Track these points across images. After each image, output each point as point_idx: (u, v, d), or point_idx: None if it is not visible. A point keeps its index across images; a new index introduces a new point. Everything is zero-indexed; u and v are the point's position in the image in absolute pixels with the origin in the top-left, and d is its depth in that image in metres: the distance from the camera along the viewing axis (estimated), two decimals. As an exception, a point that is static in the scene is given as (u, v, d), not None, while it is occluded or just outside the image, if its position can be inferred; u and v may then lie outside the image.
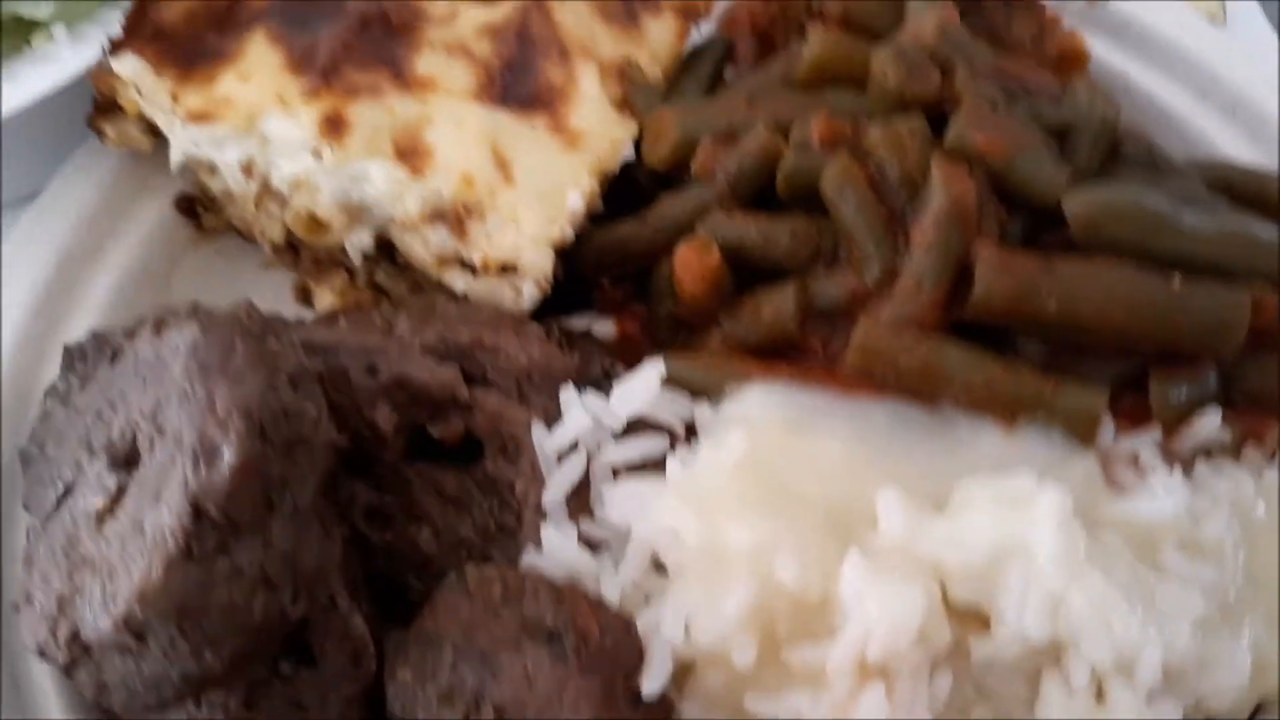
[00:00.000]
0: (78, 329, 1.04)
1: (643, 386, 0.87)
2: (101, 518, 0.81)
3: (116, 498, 0.81)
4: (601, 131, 1.00)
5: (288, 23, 1.00)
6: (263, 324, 0.85)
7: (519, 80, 1.00)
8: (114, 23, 1.04)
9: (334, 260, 1.06)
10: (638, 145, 1.02)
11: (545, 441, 0.88)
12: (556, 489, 0.86)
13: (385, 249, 1.02)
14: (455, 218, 0.95)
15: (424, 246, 0.97)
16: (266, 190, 1.02)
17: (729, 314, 0.93)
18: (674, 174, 1.00)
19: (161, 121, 1.01)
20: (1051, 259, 0.85)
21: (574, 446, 0.87)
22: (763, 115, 0.96)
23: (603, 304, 1.03)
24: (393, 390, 0.89)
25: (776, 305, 0.91)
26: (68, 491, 0.86)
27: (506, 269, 0.96)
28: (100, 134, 1.06)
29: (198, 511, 0.71)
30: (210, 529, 0.71)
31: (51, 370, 0.99)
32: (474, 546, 0.90)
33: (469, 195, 0.95)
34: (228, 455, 0.72)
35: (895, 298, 0.87)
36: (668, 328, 0.99)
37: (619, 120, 1.01)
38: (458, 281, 0.98)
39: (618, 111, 1.02)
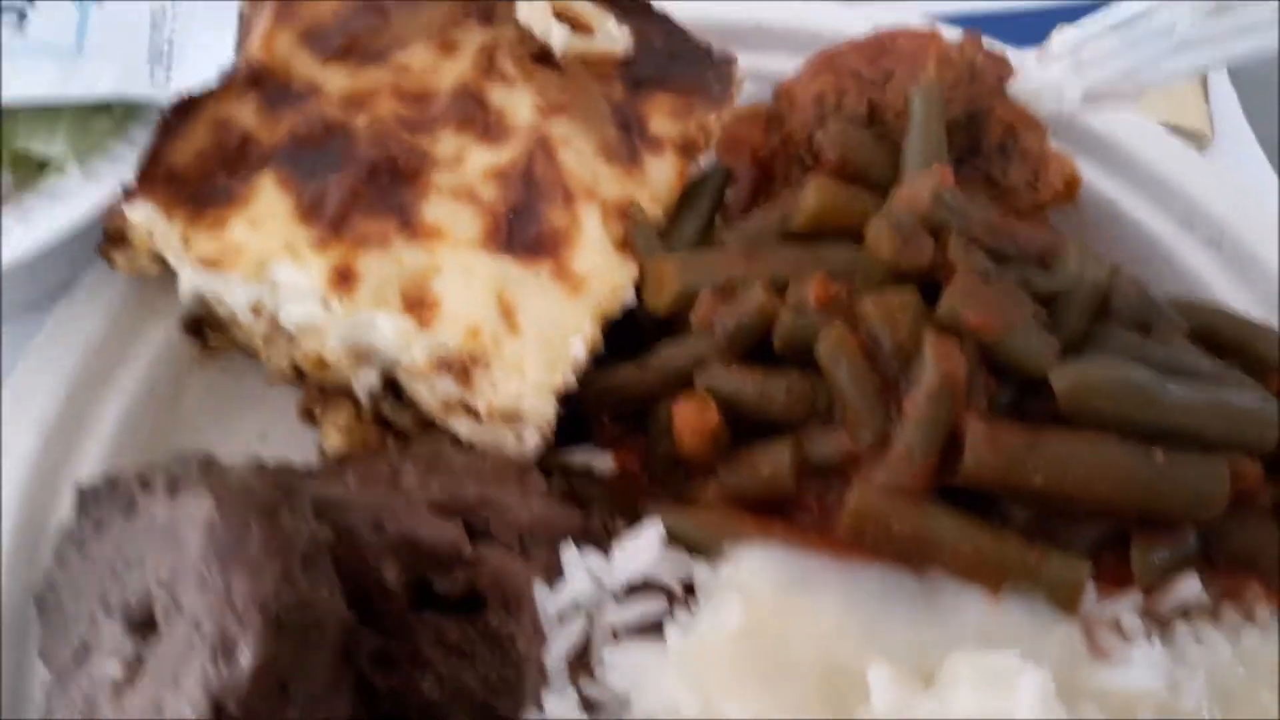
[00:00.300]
0: (88, 459, 1.07)
1: (644, 548, 0.90)
2: (120, 689, 0.83)
3: (135, 668, 0.84)
4: (603, 275, 1.03)
5: (297, 167, 1.02)
6: (275, 493, 0.87)
7: (524, 225, 1.02)
8: (125, 158, 1.06)
9: (340, 391, 1.08)
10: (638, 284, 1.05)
11: (547, 601, 0.90)
12: (558, 650, 0.89)
13: (391, 386, 1.05)
14: (461, 367, 0.97)
15: (430, 393, 1.00)
16: (275, 328, 1.04)
17: (726, 466, 0.96)
18: (673, 318, 1.03)
19: (172, 261, 1.03)
20: (1038, 433, 0.88)
21: (575, 606, 0.90)
22: (760, 271, 0.98)
23: (601, 438, 1.06)
24: (400, 547, 0.92)
25: (773, 462, 0.94)
26: (85, 650, 0.89)
27: (509, 416, 0.98)
28: (110, 261, 1.08)
29: (218, 709, 0.74)
30: (229, 727, 0.74)
31: (62, 505, 1.02)
32: (476, 696, 0.93)
33: (475, 346, 0.97)
34: (246, 655, 0.75)
35: (888, 464, 0.90)
36: (665, 465, 1.02)
37: (620, 263, 1.04)
38: (462, 426, 1.00)
39: (619, 252, 1.05)
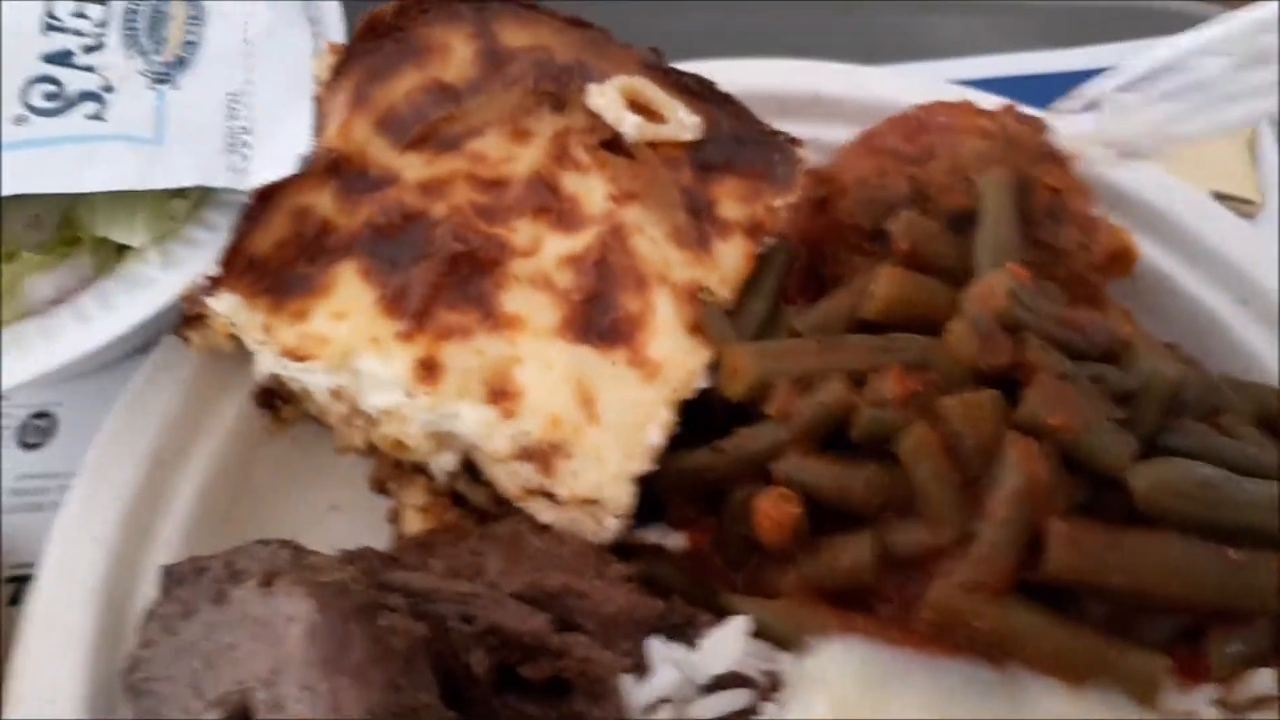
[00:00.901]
0: (167, 537, 1.08)
1: (730, 641, 0.92)
2: (226, 789, 0.85)
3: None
4: (678, 361, 1.04)
5: (377, 257, 1.03)
6: (369, 590, 0.89)
7: (600, 312, 1.04)
8: (202, 243, 1.07)
9: (415, 468, 1.10)
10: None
11: (634, 692, 0.92)
12: (644, 744, 0.91)
13: (469, 467, 1.06)
14: (542, 456, 0.99)
15: (509, 478, 1.01)
16: (354, 411, 1.05)
17: (805, 557, 0.98)
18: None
19: (252, 347, 1.05)
20: (1117, 533, 0.90)
21: (661, 698, 0.92)
22: (836, 363, 1.00)
23: (674, 518, 1.07)
24: (487, 637, 0.94)
25: (854, 554, 0.95)
26: (179, 743, 0.90)
27: (589, 503, 1.00)
28: (185, 340, 1.10)
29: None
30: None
31: (144, 587, 1.03)
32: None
33: (556, 435, 0.98)
34: (362, 766, 0.76)
35: (970, 562, 0.91)
36: (739, 548, 1.04)
37: (693, 348, 1.05)
38: (541, 511, 1.02)
39: (692, 336, 1.06)
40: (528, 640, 0.93)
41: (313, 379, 1.03)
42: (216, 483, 1.12)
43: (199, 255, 1.05)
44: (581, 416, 0.99)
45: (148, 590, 1.04)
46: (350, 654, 0.81)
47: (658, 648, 0.93)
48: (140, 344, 1.21)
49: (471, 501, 1.09)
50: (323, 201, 1.06)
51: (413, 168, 1.08)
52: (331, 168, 1.07)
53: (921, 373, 0.98)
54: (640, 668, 0.94)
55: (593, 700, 0.95)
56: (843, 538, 0.97)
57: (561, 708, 0.96)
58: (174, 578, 1.01)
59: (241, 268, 1.02)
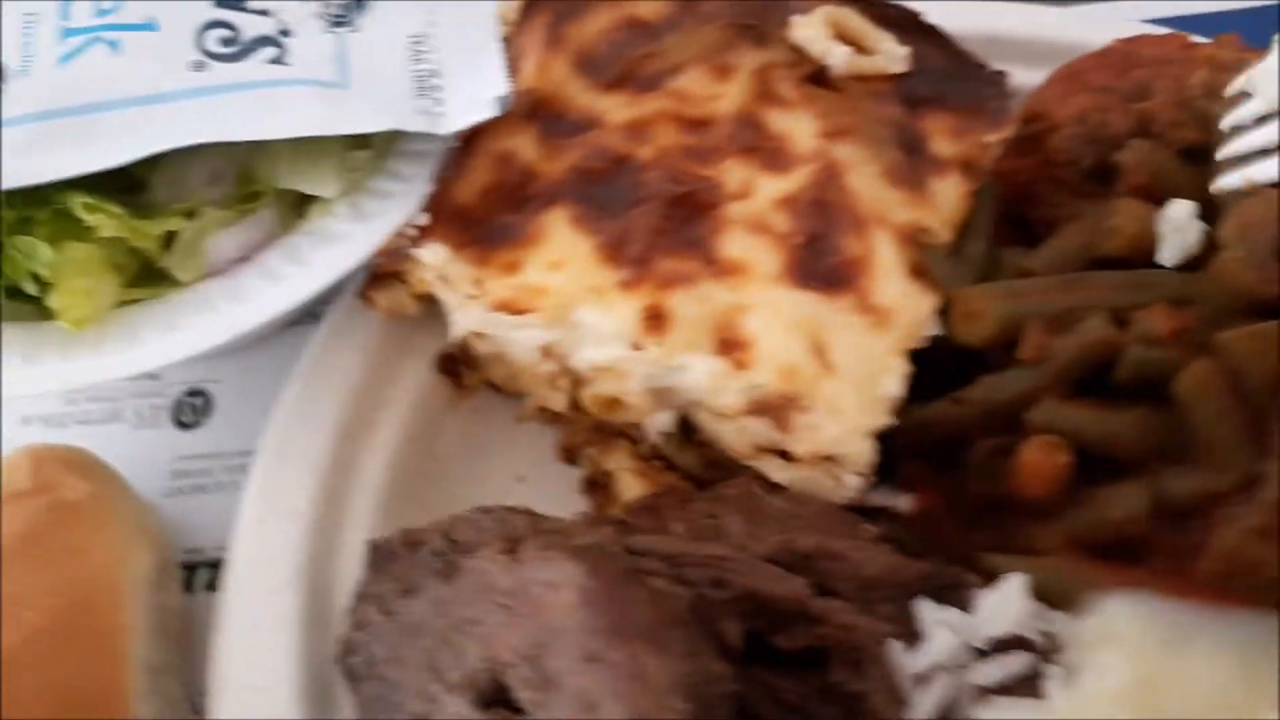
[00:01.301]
0: (361, 512, 1.01)
1: (1010, 601, 0.85)
2: (487, 770, 0.78)
3: (502, 748, 0.78)
4: (904, 306, 0.97)
5: (588, 203, 0.96)
6: (628, 554, 0.82)
7: (820, 256, 0.97)
8: (392, 195, 1.00)
9: (619, 433, 1.03)
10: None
11: (906, 661, 0.85)
12: (922, 712, 0.84)
13: (682, 427, 0.99)
14: (776, 410, 0.92)
15: (739, 435, 0.94)
16: (563, 371, 0.98)
17: (1070, 510, 0.91)
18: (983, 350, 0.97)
19: (453, 303, 0.98)
20: None
21: (937, 665, 0.85)
22: (1090, 300, 0.93)
23: (901, 478, 1.01)
24: (741, 603, 0.87)
25: (1127, 504, 0.88)
26: (428, 726, 0.83)
27: (827, 460, 0.93)
28: (369, 302, 1.03)
29: (651, 798, 0.68)
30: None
31: (344, 565, 0.97)
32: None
33: (791, 387, 0.92)
34: (679, 740, 0.69)
35: (1258, 506, 0.84)
36: (978, 508, 0.97)
37: (919, 293, 0.98)
38: (774, 470, 0.95)
39: (914, 281, 0.99)
40: (786, 606, 0.86)
41: (522, 336, 0.96)
42: (404, 455, 1.05)
43: (391, 208, 0.98)
44: (815, 367, 0.92)
45: (348, 568, 0.97)
46: (637, 619, 0.74)
47: (930, 611, 0.86)
48: (296, 317, 1.14)
49: (679, 466, 1.02)
50: (525, 146, 0.99)
51: (615, 109, 1.01)
52: (532, 111, 0.99)
53: (1183, 308, 0.91)
54: (904, 634, 0.87)
55: (853, 670, 0.87)
56: (1111, 488, 0.90)
57: (816, 680, 0.88)
58: (383, 553, 0.94)
59: (446, 217, 0.95)
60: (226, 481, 1.14)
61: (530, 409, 1.09)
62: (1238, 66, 1.06)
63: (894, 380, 0.94)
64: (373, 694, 0.87)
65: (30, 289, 0.94)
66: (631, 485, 0.99)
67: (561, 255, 0.95)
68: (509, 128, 0.99)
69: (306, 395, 1.03)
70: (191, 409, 1.18)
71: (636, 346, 0.92)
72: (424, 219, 0.96)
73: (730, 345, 0.92)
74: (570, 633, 0.75)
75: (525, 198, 0.97)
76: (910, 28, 1.08)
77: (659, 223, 0.94)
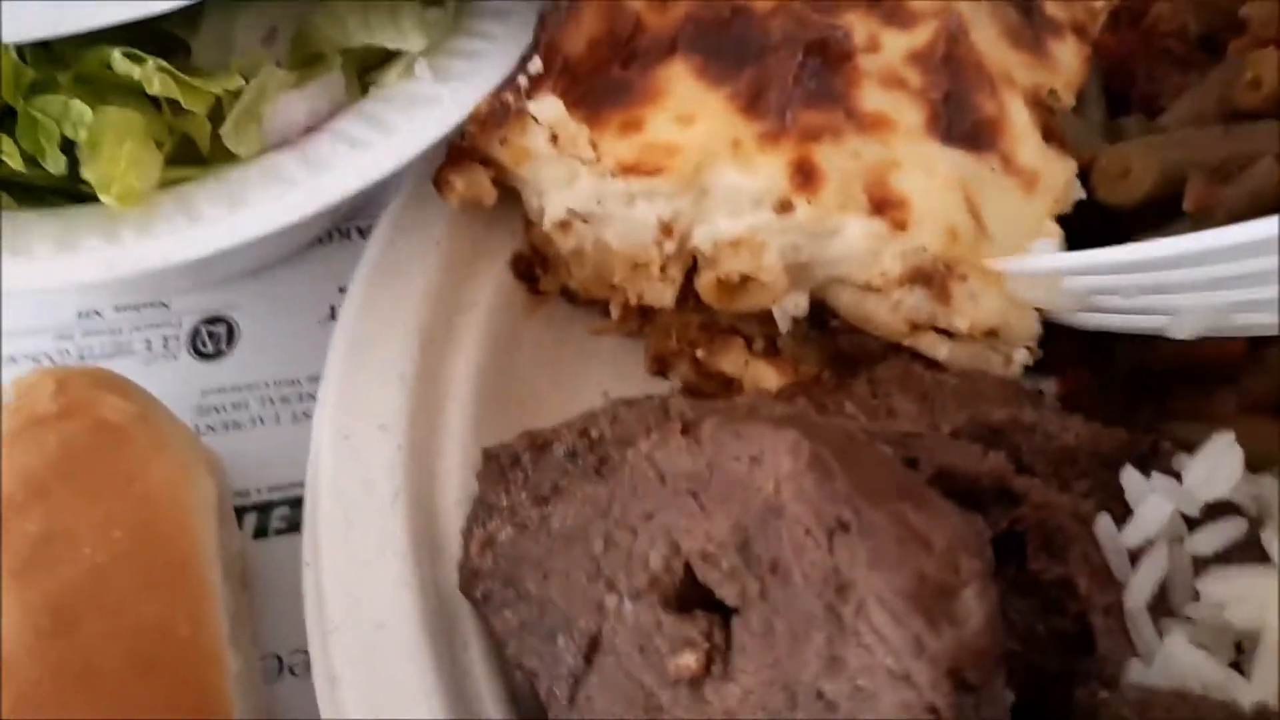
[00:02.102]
0: (452, 425, 0.88)
1: (1225, 463, 0.78)
2: (698, 681, 0.66)
3: (713, 652, 0.66)
4: (1049, 169, 0.89)
5: (708, 54, 0.86)
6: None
7: (958, 114, 0.89)
8: (481, 54, 0.87)
9: (728, 328, 0.92)
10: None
11: (1116, 536, 0.77)
12: (1140, 590, 0.76)
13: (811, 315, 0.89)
14: (936, 279, 0.83)
15: (892, 311, 0.85)
16: (678, 252, 0.87)
17: (1253, 371, 0.84)
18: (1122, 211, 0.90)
19: (554, 177, 0.86)
20: None
21: (1150, 539, 0.77)
22: (1251, 149, 0.87)
23: (1046, 360, 0.93)
24: (936, 483, 0.77)
25: (1315, 361, 0.82)
26: (594, 645, 0.71)
27: (991, 333, 0.84)
28: (445, 186, 0.90)
29: (956, 677, 0.58)
30: (968, 697, 0.58)
31: (447, 482, 0.84)
32: (1022, 657, 0.78)
33: (953, 251, 0.83)
34: (977, 609, 0.58)
35: None
36: (1130, 383, 0.90)
37: (1059, 156, 0.91)
38: (934, 348, 0.85)
39: (1050, 145, 0.92)
40: (986, 483, 0.77)
41: (640, 209, 0.84)
42: (486, 366, 0.93)
43: (480, 68, 0.86)
44: (974, 230, 0.83)
45: (450, 486, 0.84)
46: (885, 479, 0.64)
47: (1138, 480, 0.77)
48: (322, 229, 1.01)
49: (800, 363, 0.92)
50: None
51: None
52: None
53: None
54: (1104, 508, 0.78)
55: (1052, 555, 0.78)
56: (1282, 350, 0.84)
57: (1010, 572, 0.79)
58: (504, 461, 0.82)
59: (558, 71, 0.83)
60: (265, 414, 0.99)
61: (613, 319, 0.97)
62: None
63: (1055, 247, 0.85)
64: (518, 620, 0.75)
65: (52, 165, 0.78)
66: (768, 376, 0.88)
67: (690, 109, 0.84)
68: None
69: (379, 300, 0.90)
70: (212, 338, 1.03)
71: (784, 208, 0.81)
72: (537, 67, 0.83)
73: (885, 204, 0.82)
74: (797, 505, 0.64)
75: (636, 51, 0.86)
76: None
77: (796, 70, 0.84)
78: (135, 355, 1.02)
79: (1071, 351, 0.92)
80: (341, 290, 1.03)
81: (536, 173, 0.87)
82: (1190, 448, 0.81)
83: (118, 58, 0.76)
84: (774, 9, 0.88)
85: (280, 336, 1.02)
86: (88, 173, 0.76)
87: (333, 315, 1.04)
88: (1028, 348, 0.85)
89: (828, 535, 0.63)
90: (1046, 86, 0.94)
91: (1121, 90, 1.07)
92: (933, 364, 0.86)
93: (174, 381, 1.00)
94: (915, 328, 0.85)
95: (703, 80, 0.84)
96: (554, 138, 0.83)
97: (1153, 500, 0.77)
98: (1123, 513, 0.78)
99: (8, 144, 0.77)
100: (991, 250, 0.84)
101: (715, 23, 0.87)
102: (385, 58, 0.89)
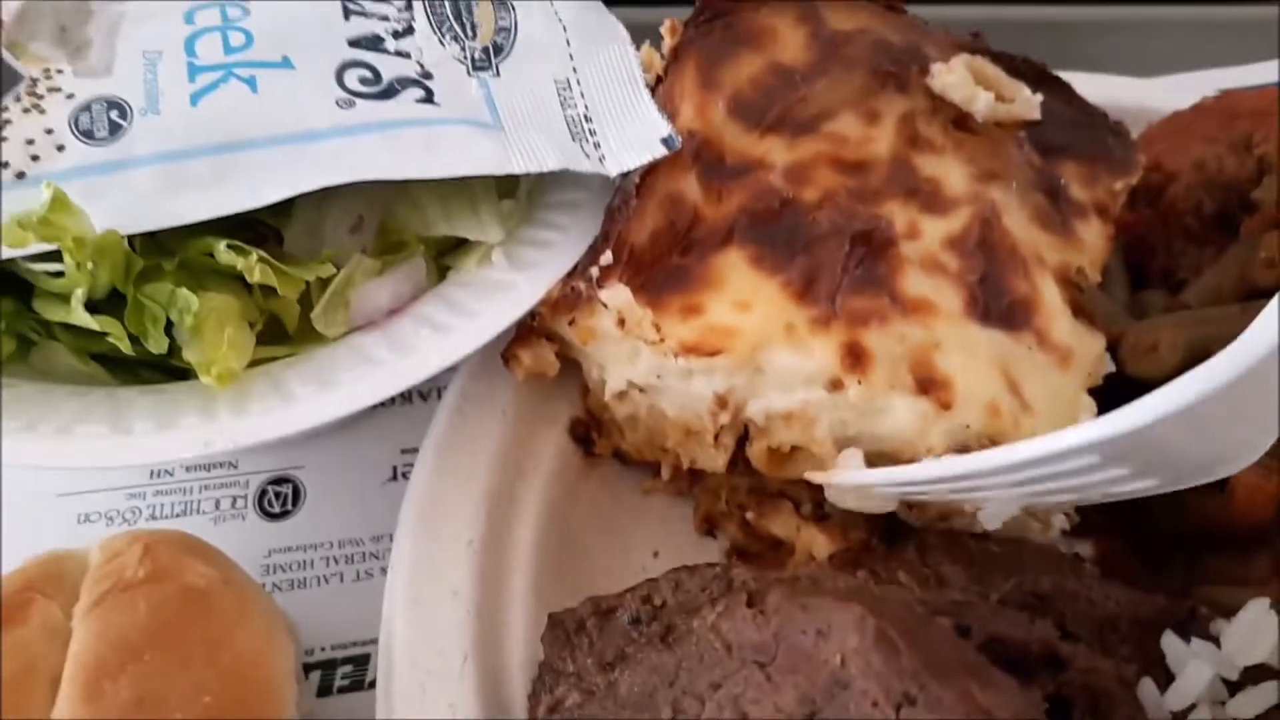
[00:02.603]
0: (517, 589, 0.92)
1: (1262, 629, 0.81)
2: None
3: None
4: (1081, 345, 0.95)
5: (761, 243, 0.92)
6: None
7: (994, 295, 0.94)
8: (552, 244, 0.94)
9: (776, 492, 0.97)
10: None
11: (1159, 700, 0.80)
12: (1186, 752, 0.79)
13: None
14: (993, 442, 0.87)
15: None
16: (730, 423, 0.92)
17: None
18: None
19: (616, 354, 0.91)
20: None
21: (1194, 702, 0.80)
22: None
23: (1081, 524, 0.97)
24: (986, 650, 0.80)
25: (1344, 527, 0.87)
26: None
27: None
28: (513, 361, 0.96)
29: None
30: None
31: (513, 646, 0.87)
32: (1072, 818, 0.81)
33: (996, 427, 0.87)
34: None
35: None
36: (1166, 547, 0.94)
37: (1089, 331, 0.96)
38: (975, 518, 0.90)
39: (1079, 320, 0.97)
40: (1034, 649, 0.80)
41: (697, 384, 0.90)
42: (549, 528, 0.97)
43: (551, 256, 0.92)
44: (1015, 405, 0.89)
45: (514, 650, 0.88)
46: (948, 655, 0.68)
47: (1178, 646, 0.81)
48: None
49: (848, 530, 0.97)
50: (691, 189, 0.94)
51: (774, 152, 0.98)
52: (696, 154, 0.95)
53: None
54: (1145, 673, 0.82)
55: (1098, 718, 0.82)
56: (1322, 510, 0.88)
57: (1058, 731, 0.82)
58: (570, 627, 0.86)
59: (625, 260, 0.90)
60: (329, 573, 1.03)
61: (664, 478, 1.02)
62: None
63: (1089, 417, 0.91)
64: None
65: (154, 346, 0.84)
66: (819, 541, 0.93)
67: (746, 296, 0.90)
68: (676, 169, 0.95)
69: (449, 468, 0.94)
70: (278, 498, 1.07)
71: (835, 386, 0.87)
72: (608, 259, 0.89)
73: (930, 385, 0.88)
74: (864, 679, 0.68)
75: (694, 241, 0.93)
76: (1038, 79, 1.09)
77: (844, 260, 0.90)
78: (204, 515, 1.06)
79: (1106, 516, 0.97)
80: (403, 453, 1.09)
81: (601, 350, 0.92)
82: (1227, 612, 0.85)
83: (222, 249, 0.82)
84: (820, 200, 0.94)
85: (344, 497, 1.07)
86: (190, 355, 0.82)
87: (394, 476, 1.08)
88: (1065, 514, 0.89)
89: (895, 708, 0.66)
90: (1074, 265, 1.00)
91: (1141, 264, 1.14)
92: (976, 532, 0.90)
93: (241, 540, 1.04)
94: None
95: (757, 269, 0.90)
96: (621, 321, 0.88)
97: (1194, 665, 0.80)
98: (1162, 677, 0.82)
99: (115, 327, 0.82)
100: (1033, 423, 0.89)
101: (767, 213, 0.93)
102: (459, 243, 0.95)
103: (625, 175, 0.93)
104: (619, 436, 1.01)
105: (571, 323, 0.91)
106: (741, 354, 0.87)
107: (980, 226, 0.97)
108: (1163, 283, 1.11)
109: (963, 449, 0.88)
